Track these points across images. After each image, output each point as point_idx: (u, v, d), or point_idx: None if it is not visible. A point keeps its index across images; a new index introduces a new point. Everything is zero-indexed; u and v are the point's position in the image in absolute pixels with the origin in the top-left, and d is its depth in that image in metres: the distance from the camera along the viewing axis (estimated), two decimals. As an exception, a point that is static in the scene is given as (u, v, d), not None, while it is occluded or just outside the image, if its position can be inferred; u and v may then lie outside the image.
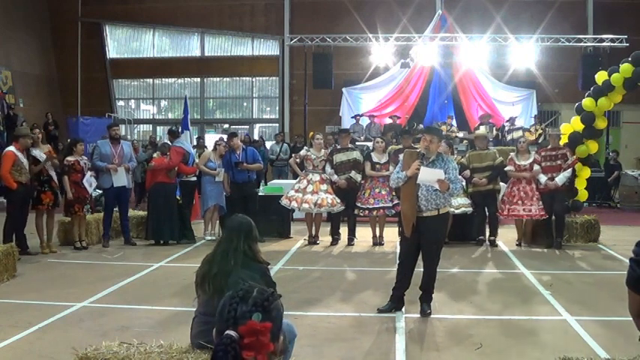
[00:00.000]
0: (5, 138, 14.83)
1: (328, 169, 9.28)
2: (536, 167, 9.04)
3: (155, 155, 10.16)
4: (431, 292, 5.70)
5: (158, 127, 22.03)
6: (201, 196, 9.95)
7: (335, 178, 9.20)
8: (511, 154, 9.54)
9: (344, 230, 9.47)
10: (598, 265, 8.07)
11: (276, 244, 9.35)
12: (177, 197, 9.63)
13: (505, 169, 9.25)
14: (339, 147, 9.52)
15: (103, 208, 9.51)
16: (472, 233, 9.40)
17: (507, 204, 9.12)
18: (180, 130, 11.93)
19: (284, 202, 9.26)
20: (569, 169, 9.09)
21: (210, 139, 16.49)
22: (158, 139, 20.40)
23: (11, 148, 8.15)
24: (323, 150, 9.46)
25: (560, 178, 8.96)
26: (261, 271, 3.67)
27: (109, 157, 9.01)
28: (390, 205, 9.05)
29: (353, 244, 9.31)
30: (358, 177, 9.19)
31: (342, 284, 6.93)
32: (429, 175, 5.42)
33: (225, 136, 14.14)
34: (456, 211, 8.91)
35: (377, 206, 9.10)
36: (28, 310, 5.64)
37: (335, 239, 9.39)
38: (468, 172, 9.10)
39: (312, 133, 9.92)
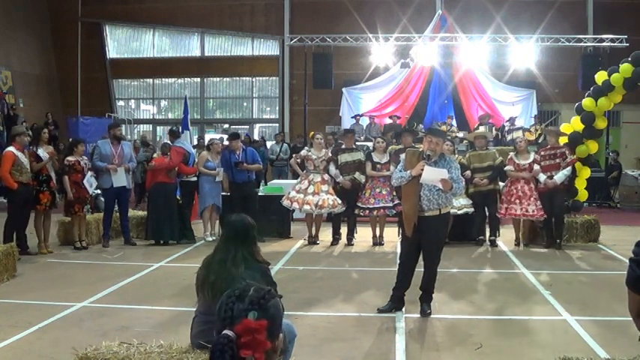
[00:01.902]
0: (5, 138, 14.84)
1: (333, 169, 9.27)
2: (535, 167, 9.03)
3: (155, 155, 10.14)
4: (431, 292, 5.69)
5: (158, 127, 22.04)
6: (199, 196, 9.92)
7: (340, 178, 9.19)
8: (511, 153, 9.53)
9: (344, 230, 9.47)
10: (598, 265, 8.07)
11: (276, 244, 9.34)
12: (178, 197, 9.63)
13: (505, 168, 9.25)
14: (343, 147, 9.52)
15: (103, 209, 9.51)
16: (472, 233, 9.40)
17: (505, 203, 9.12)
18: (180, 130, 11.92)
19: (285, 202, 9.27)
20: (568, 168, 9.07)
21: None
22: (158, 139, 20.41)
23: (10, 148, 8.14)
24: (324, 150, 9.46)
25: (559, 177, 8.95)
26: (262, 270, 3.67)
27: (109, 157, 9.00)
28: (391, 205, 9.05)
29: (352, 244, 9.31)
30: (362, 178, 9.17)
31: (342, 284, 6.92)
32: (432, 175, 5.43)
33: (223, 136, 14.13)
34: (459, 212, 8.92)
35: (377, 206, 9.10)
36: (28, 310, 5.64)
37: (335, 239, 9.39)
38: (469, 173, 9.09)
39: (312, 133, 9.92)
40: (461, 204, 9.00)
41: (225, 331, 1.72)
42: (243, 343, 1.69)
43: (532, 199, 8.96)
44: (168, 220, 9.18)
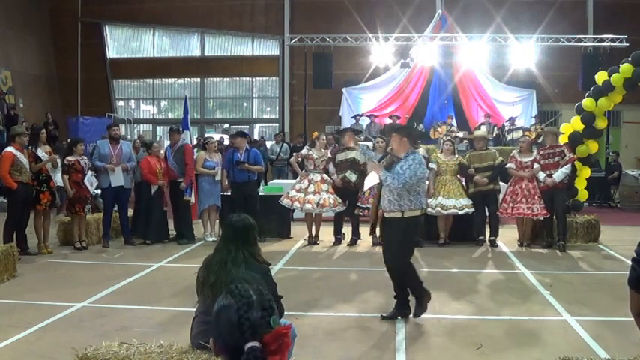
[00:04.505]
0: (5, 138, 14.85)
1: (331, 167, 9.30)
2: (535, 165, 9.04)
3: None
4: (406, 296, 5.41)
5: (158, 127, 22.04)
6: (198, 196, 9.89)
7: (334, 177, 9.21)
8: (514, 151, 9.53)
9: (345, 230, 9.46)
10: (598, 265, 8.07)
11: (276, 244, 9.35)
12: (167, 200, 9.55)
13: (507, 166, 9.24)
14: (341, 147, 9.54)
15: (102, 209, 9.50)
16: (472, 233, 9.39)
17: (511, 203, 9.10)
18: (181, 129, 11.86)
19: (285, 202, 9.26)
20: (567, 166, 9.04)
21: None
22: (158, 138, 20.39)
23: (10, 148, 8.14)
24: (324, 150, 9.47)
25: (558, 175, 8.92)
26: (263, 270, 3.66)
27: (107, 157, 9.00)
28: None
29: (357, 245, 9.30)
30: (353, 177, 9.11)
31: (343, 284, 6.93)
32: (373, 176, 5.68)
33: (224, 136, 14.07)
34: (460, 212, 8.93)
35: (377, 206, 9.09)
36: (28, 310, 5.64)
37: (338, 239, 9.38)
38: (472, 170, 9.10)
39: (316, 134, 9.95)
40: (462, 204, 9.01)
41: (250, 344, 1.68)
42: (272, 350, 1.67)
43: (536, 197, 8.96)
44: (144, 218, 9.22)
